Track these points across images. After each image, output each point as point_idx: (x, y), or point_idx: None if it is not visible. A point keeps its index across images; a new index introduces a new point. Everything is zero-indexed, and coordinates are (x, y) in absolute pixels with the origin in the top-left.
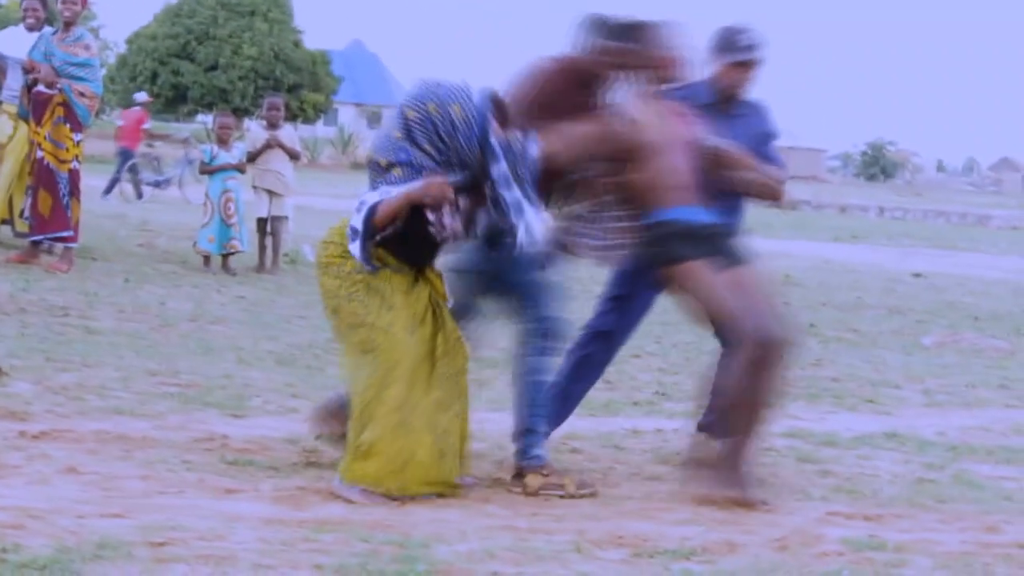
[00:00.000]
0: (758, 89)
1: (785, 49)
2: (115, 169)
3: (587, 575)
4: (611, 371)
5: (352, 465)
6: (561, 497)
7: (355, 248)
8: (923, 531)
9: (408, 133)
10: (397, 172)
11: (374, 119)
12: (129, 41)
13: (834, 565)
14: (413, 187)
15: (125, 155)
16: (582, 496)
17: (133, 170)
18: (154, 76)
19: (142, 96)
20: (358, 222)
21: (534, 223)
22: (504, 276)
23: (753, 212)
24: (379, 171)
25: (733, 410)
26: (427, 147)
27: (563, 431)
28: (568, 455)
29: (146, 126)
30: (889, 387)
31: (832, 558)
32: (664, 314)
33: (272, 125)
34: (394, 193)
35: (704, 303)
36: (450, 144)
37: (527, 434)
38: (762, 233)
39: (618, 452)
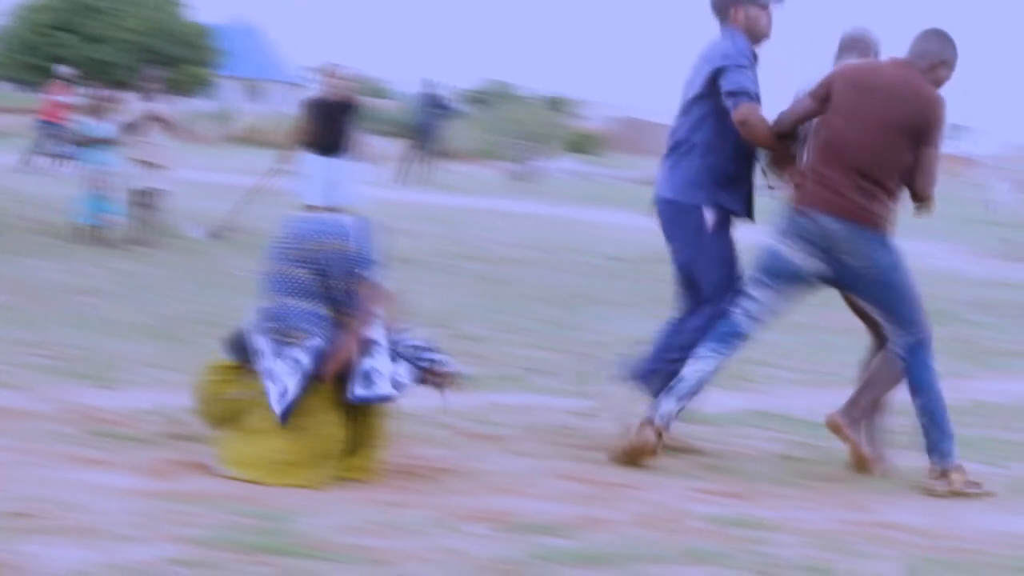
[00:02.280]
0: (645, 74)
1: (686, 30)
2: (45, 144)
3: (451, 549)
4: (481, 346)
5: (232, 447)
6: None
7: (283, 405)
8: (789, 508)
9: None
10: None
11: (255, 93)
12: (10, 13)
13: (699, 541)
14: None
15: (42, 128)
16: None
17: (42, 142)
18: (35, 48)
19: (64, 70)
20: (291, 383)
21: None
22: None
23: (626, 190)
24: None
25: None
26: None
27: (432, 404)
28: (435, 429)
29: (66, 99)
30: (761, 365)
31: (697, 535)
32: (535, 289)
33: (151, 98)
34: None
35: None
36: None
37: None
38: (640, 210)
39: (485, 426)
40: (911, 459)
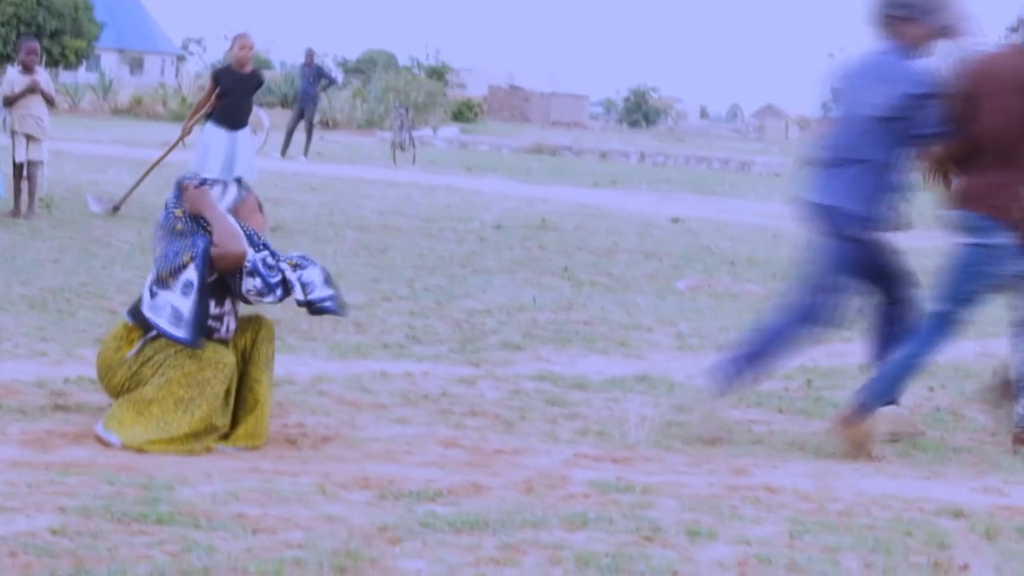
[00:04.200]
0: (526, 43)
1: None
2: None
3: (332, 516)
4: (362, 315)
5: (122, 415)
6: None
7: (182, 332)
8: (671, 473)
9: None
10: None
11: (136, 65)
12: None
13: (580, 507)
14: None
15: None
16: None
17: None
18: None
19: None
20: (184, 307)
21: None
22: None
23: (513, 158)
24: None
25: None
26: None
27: (312, 372)
28: (316, 397)
29: None
30: (641, 331)
31: (578, 500)
32: (416, 258)
33: (29, 69)
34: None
35: None
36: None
37: None
38: (522, 178)
39: (366, 394)
40: (793, 424)
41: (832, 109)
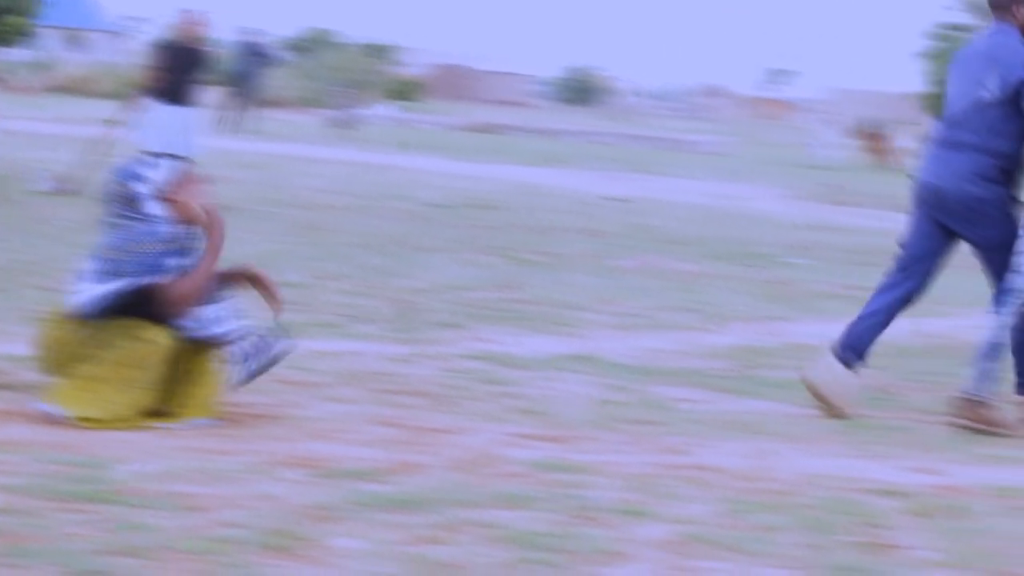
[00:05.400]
0: (464, 21)
1: None
2: None
3: (269, 495)
4: (298, 293)
5: (65, 392)
6: None
7: (80, 297)
8: (608, 452)
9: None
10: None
11: (75, 42)
12: None
13: (517, 486)
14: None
15: None
16: None
17: None
18: None
19: None
20: (100, 289)
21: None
22: None
23: (449, 136)
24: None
25: None
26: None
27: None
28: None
29: None
30: (579, 310)
31: (516, 479)
32: (354, 236)
33: None
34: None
35: None
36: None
37: None
38: (463, 157)
39: (303, 373)
40: (731, 403)
41: (950, 91)
